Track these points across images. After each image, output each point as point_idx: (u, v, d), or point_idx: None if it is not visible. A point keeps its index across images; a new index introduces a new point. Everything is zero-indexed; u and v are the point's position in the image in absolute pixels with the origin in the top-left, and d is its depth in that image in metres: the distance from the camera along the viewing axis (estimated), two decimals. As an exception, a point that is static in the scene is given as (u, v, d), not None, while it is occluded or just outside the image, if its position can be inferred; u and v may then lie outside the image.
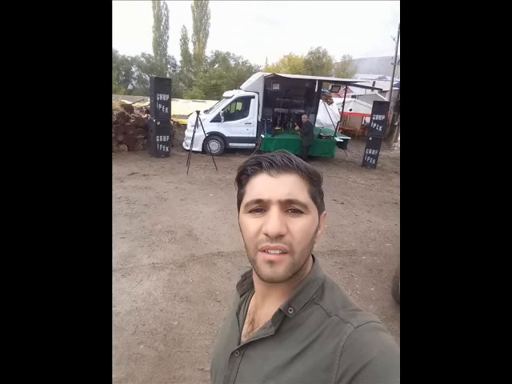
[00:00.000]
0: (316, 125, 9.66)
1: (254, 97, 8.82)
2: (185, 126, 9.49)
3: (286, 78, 8.93)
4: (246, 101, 8.97)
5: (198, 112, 7.04)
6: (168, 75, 29.33)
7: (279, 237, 0.47)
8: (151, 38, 30.95)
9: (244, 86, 9.50)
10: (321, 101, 10.40)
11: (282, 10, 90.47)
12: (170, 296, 2.69)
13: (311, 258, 0.55)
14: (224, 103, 9.04)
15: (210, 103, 12.92)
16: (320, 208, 0.53)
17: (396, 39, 13.88)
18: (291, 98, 9.40)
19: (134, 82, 31.31)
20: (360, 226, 4.66)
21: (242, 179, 0.53)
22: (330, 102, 12.40)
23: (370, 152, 8.93)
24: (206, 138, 8.10)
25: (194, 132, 7.08)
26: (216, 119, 8.63)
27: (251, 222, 0.49)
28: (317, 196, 0.52)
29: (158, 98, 7.33)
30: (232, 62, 31.09)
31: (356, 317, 0.47)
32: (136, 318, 2.40)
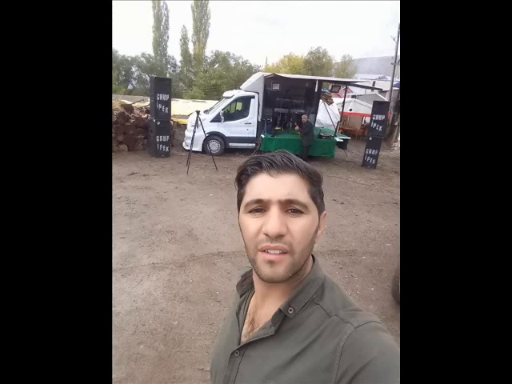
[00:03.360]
0: (316, 125, 9.65)
1: (253, 97, 8.81)
2: (185, 126, 9.49)
3: (286, 78, 8.92)
4: (245, 101, 8.96)
5: (197, 112, 7.04)
6: (168, 75, 29.33)
7: (279, 237, 0.47)
8: (151, 37, 31.04)
9: (244, 86, 9.50)
10: (321, 101, 10.40)
11: (282, 10, 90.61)
12: (170, 296, 2.69)
13: (311, 258, 0.55)
14: (224, 103, 9.03)
15: (209, 103, 12.91)
16: (320, 208, 0.53)
17: (396, 39, 13.88)
18: (291, 98, 9.39)
19: (134, 82, 31.31)
20: (360, 225, 4.66)
21: (242, 179, 0.53)
22: (330, 102, 12.39)
23: (369, 152, 8.93)
24: (206, 138, 8.10)
25: (194, 132, 7.08)
26: (216, 119, 8.62)
27: (251, 222, 0.49)
28: (317, 196, 0.52)
29: (157, 98, 7.33)
30: (232, 62, 31.10)
31: (356, 317, 0.47)
32: (136, 317, 2.40)
